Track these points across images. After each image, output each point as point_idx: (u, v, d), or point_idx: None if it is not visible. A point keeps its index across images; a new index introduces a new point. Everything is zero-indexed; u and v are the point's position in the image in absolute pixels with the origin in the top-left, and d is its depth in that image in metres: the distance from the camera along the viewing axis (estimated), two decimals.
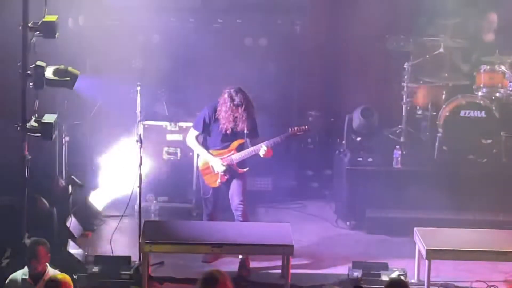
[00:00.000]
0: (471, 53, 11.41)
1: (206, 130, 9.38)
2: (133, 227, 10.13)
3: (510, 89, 10.91)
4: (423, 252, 8.75)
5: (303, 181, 11.82)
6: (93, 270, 8.90)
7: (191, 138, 9.49)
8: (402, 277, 8.69)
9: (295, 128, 9.42)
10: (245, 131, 9.28)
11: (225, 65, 11.09)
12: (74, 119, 10.60)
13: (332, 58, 11.67)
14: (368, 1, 11.58)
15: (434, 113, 11.07)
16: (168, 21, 11.46)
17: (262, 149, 9.24)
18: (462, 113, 10.79)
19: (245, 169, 9.40)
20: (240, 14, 11.53)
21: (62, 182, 10.21)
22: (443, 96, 11.11)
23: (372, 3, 11.54)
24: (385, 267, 9.00)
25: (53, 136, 8.78)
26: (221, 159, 9.31)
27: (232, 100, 9.14)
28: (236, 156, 9.34)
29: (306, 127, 9.46)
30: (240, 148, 9.39)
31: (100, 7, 11.09)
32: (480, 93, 10.93)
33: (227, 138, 9.33)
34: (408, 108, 11.18)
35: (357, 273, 8.87)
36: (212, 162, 9.35)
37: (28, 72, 8.53)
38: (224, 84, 9.44)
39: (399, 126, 11.21)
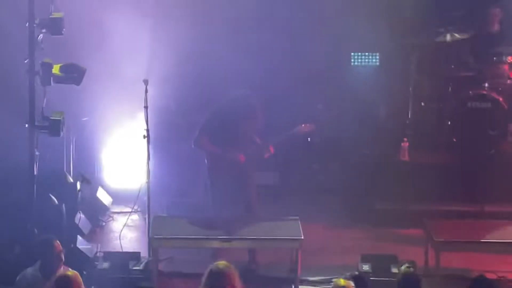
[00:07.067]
0: (477, 45, 11.39)
1: (216, 134, 9.32)
2: (142, 222, 10.15)
3: None
4: (432, 244, 8.75)
5: (310, 174, 11.81)
6: (103, 266, 8.89)
7: (203, 143, 9.33)
8: (411, 269, 8.69)
9: (302, 125, 9.42)
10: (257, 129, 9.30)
11: (229, 61, 11.07)
12: (82, 115, 10.60)
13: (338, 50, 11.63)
14: None
15: (441, 105, 11.06)
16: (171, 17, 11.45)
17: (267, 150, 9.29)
18: (469, 104, 10.78)
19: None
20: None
21: (70, 178, 10.23)
22: (450, 88, 11.09)
23: None
24: (394, 259, 8.99)
25: (61, 133, 8.80)
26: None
27: (249, 105, 9.12)
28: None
29: (312, 126, 9.46)
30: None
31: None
32: (486, 84, 10.92)
33: (238, 139, 9.29)
34: (415, 100, 11.17)
35: (366, 266, 8.87)
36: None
37: (36, 69, 8.54)
38: (228, 79, 9.40)
39: (407, 118, 11.20)
